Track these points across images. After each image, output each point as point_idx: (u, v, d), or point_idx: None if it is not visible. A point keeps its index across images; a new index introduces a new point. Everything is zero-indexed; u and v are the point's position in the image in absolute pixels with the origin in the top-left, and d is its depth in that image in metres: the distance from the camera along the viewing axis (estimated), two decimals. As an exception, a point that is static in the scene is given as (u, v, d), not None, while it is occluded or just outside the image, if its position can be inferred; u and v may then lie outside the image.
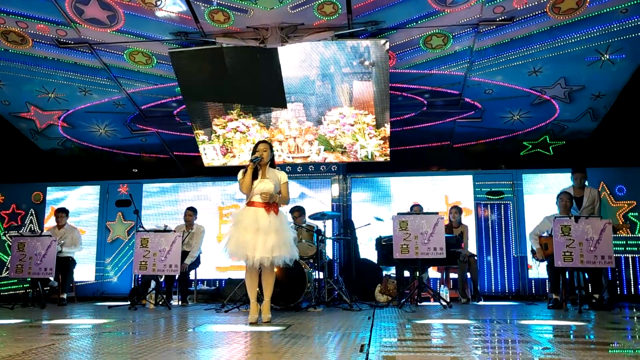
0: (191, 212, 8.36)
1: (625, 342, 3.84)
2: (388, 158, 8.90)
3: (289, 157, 8.99)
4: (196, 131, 8.90)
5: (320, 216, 7.30)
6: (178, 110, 9.31)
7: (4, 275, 9.45)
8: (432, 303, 7.47)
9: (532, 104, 8.67)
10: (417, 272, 6.92)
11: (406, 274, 7.57)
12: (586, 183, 7.51)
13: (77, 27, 7.30)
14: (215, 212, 9.61)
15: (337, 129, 8.62)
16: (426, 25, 7.25)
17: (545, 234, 7.08)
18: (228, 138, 8.88)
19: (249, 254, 4.89)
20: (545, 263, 7.07)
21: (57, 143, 10.12)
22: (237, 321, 5.28)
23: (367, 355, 3.04)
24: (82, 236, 8.72)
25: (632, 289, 8.35)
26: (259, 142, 5.29)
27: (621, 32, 7.19)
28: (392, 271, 7.85)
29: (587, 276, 6.55)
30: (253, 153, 5.23)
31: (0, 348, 3.40)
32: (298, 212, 7.64)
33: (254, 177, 5.13)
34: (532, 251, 7.28)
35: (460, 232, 7.99)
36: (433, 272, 8.43)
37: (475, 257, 8.24)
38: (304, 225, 7.31)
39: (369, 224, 8.29)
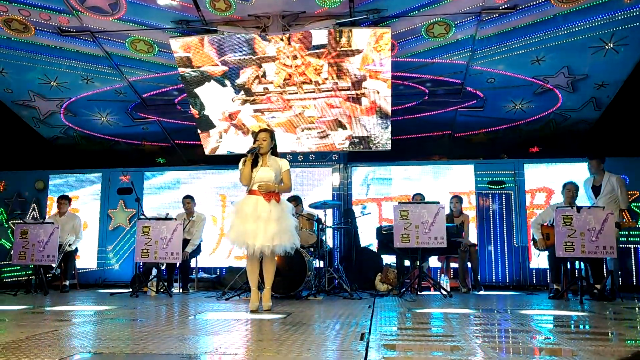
0: (189, 200, 8.37)
1: (626, 332, 3.85)
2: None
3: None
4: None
5: (321, 205, 7.31)
6: (179, 98, 9.30)
7: (7, 262, 9.49)
8: (432, 292, 7.49)
9: (534, 93, 8.64)
10: (418, 262, 6.93)
11: (406, 263, 7.58)
12: (606, 170, 7.30)
13: (79, 15, 7.27)
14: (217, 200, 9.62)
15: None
16: (428, 14, 7.22)
17: (548, 223, 7.06)
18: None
19: (250, 242, 4.91)
20: (547, 253, 7.07)
21: (59, 131, 10.12)
22: (238, 309, 5.31)
23: (368, 343, 3.05)
24: (82, 224, 8.75)
25: (635, 279, 8.35)
26: (260, 131, 5.28)
27: (625, 21, 7.14)
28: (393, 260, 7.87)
29: (588, 266, 6.55)
30: (254, 142, 5.23)
31: (4, 334, 3.42)
32: (295, 201, 7.63)
33: (255, 165, 5.13)
34: (534, 240, 7.27)
35: (461, 222, 7.99)
36: (434, 262, 8.44)
37: (476, 247, 8.24)
38: (304, 214, 7.31)
39: (370, 213, 8.31)
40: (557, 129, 9.38)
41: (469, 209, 8.77)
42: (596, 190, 7.12)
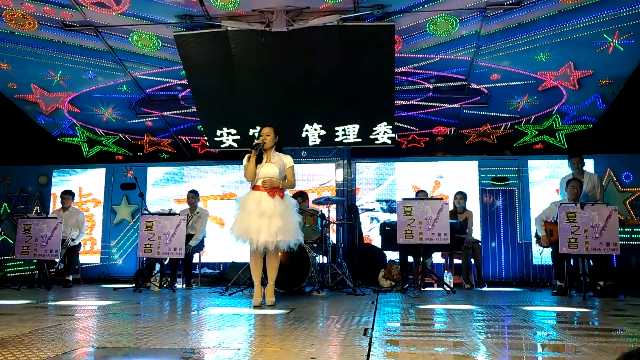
0: (193, 194, 8.38)
1: (629, 328, 3.84)
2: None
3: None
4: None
5: (325, 201, 7.30)
6: (183, 93, 9.30)
7: (10, 256, 9.51)
8: (435, 288, 7.49)
9: (538, 89, 8.61)
10: (421, 258, 6.92)
11: (410, 259, 7.58)
12: (585, 169, 7.48)
13: (83, 9, 7.26)
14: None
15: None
16: (433, 9, 7.19)
17: (551, 220, 7.05)
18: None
19: (254, 238, 4.92)
20: (550, 249, 7.06)
21: (62, 126, 10.13)
22: (241, 304, 5.31)
23: (371, 339, 3.05)
24: (86, 220, 8.76)
25: (637, 276, 8.32)
26: (264, 126, 5.28)
27: (630, 17, 7.09)
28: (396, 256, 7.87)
29: (591, 263, 6.54)
30: (258, 137, 5.24)
31: (8, 328, 3.43)
32: (301, 197, 7.64)
33: (259, 161, 5.14)
34: (537, 236, 7.26)
35: (465, 218, 7.98)
36: (437, 258, 8.44)
37: (480, 243, 8.23)
38: (307, 209, 7.32)
39: (373, 209, 8.29)
40: (561, 125, 9.35)
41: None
42: None
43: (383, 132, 8.42)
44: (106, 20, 7.53)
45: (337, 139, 8.63)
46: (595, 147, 8.84)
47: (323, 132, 8.64)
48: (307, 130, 8.66)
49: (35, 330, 3.34)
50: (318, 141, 8.71)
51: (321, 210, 7.30)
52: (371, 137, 8.49)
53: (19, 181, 10.10)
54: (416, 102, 9.21)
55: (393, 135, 8.46)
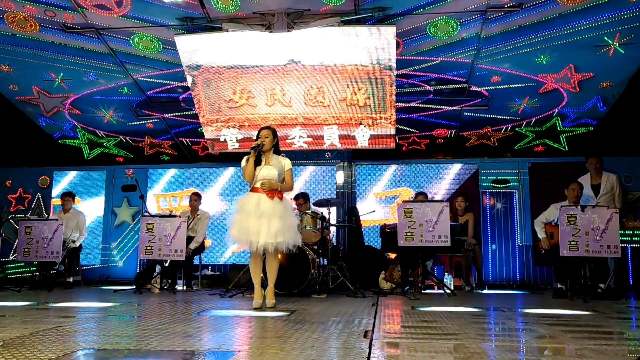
0: (196, 197, 8.39)
1: (630, 331, 3.84)
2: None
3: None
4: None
5: (325, 203, 7.30)
6: (184, 96, 9.30)
7: (11, 258, 9.51)
8: (436, 291, 7.48)
9: (539, 92, 8.61)
10: (421, 260, 6.92)
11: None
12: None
13: (84, 11, 7.28)
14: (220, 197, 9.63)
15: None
16: (433, 12, 7.20)
17: (552, 222, 7.04)
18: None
19: (253, 239, 4.92)
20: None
21: (64, 128, 10.13)
22: (241, 306, 5.31)
23: (371, 341, 3.05)
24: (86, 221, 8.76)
25: (638, 279, 8.32)
26: (262, 129, 5.29)
27: (631, 20, 7.10)
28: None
29: (592, 266, 6.53)
30: (256, 140, 5.25)
31: (9, 329, 3.43)
32: (303, 198, 7.64)
33: (258, 163, 5.14)
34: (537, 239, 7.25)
35: (466, 221, 7.97)
36: (436, 260, 8.43)
37: (480, 246, 8.22)
38: (308, 211, 7.32)
39: (374, 211, 8.29)
40: (561, 127, 9.35)
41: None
42: (594, 189, 7.14)
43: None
44: (107, 23, 7.55)
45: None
46: (596, 149, 8.82)
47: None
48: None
49: (35, 331, 3.34)
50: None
51: (322, 212, 7.30)
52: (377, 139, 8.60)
53: (19, 183, 10.11)
54: (417, 105, 9.21)
55: (395, 137, 8.50)
